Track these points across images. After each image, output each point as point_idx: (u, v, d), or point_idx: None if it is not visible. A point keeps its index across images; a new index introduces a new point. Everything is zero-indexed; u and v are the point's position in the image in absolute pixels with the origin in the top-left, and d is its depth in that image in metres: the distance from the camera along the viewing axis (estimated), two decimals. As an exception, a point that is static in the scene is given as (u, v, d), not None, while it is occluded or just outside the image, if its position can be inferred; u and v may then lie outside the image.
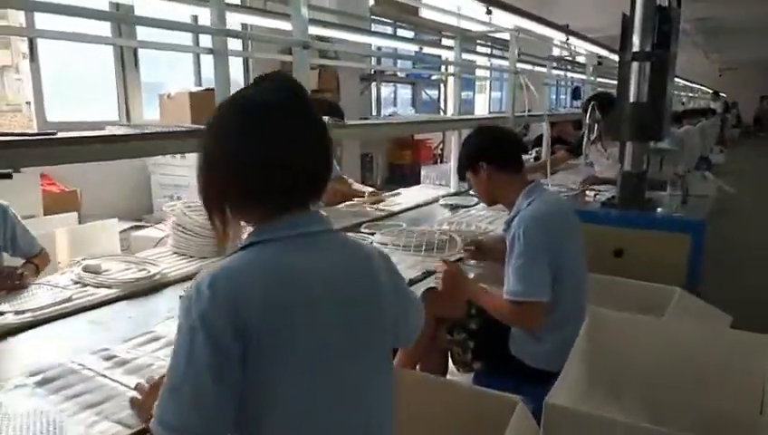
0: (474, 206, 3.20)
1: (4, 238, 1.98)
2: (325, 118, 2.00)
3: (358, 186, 3.38)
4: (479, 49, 8.62)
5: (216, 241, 1.82)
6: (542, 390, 1.37)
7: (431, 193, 3.57)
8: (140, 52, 4.70)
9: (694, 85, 14.11)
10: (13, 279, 1.79)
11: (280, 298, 0.84)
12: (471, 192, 3.51)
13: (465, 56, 6.49)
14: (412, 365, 1.98)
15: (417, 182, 4.11)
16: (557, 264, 1.67)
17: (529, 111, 3.40)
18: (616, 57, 3.01)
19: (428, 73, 8.50)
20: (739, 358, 1.63)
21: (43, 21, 3.40)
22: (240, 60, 5.76)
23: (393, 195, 3.47)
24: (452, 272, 1.85)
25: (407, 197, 3.49)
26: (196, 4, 1.88)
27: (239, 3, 2.50)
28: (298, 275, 0.87)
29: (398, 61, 6.89)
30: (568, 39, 3.14)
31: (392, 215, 2.97)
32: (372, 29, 5.87)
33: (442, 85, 9.17)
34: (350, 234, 2.44)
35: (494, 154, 1.84)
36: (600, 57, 5.40)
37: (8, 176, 3.01)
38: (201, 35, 3.12)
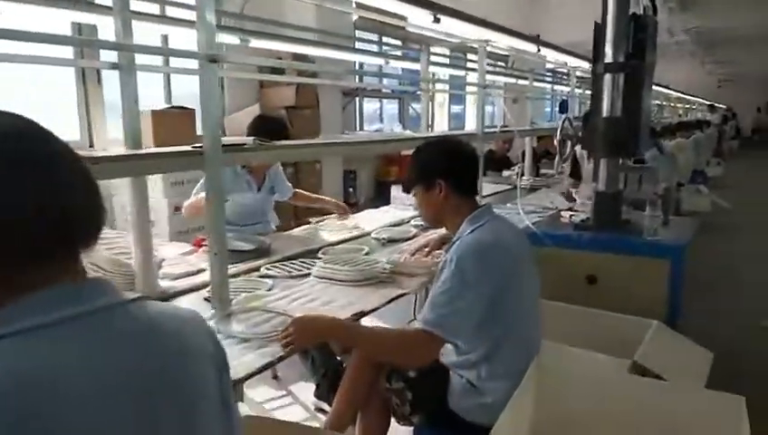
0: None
1: None
2: (248, 138, 1.80)
3: (324, 199, 3.14)
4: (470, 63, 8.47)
5: None
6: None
7: (398, 215, 3.35)
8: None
9: (690, 97, 13.94)
10: None
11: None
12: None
13: (452, 71, 6.36)
14: (352, 415, 1.76)
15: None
16: (495, 305, 1.45)
17: (505, 126, 3.20)
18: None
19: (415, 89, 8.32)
20: (709, 421, 1.40)
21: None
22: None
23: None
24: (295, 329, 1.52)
25: (368, 219, 3.27)
26: (101, 13, 1.68)
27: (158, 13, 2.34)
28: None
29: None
30: (539, 50, 2.96)
31: (344, 241, 2.71)
32: (357, 44, 5.72)
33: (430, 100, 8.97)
34: (294, 262, 2.23)
35: (453, 171, 1.63)
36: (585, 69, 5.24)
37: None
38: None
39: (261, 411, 2.64)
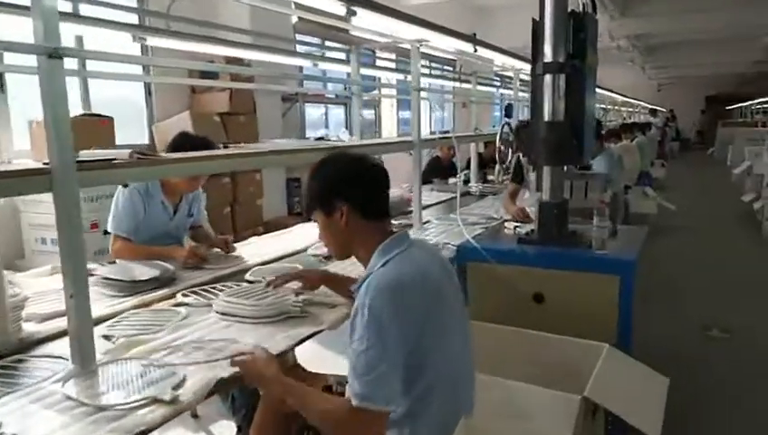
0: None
1: None
2: (120, 152, 1.49)
3: (211, 236, 2.75)
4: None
5: None
6: None
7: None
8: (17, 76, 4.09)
9: (634, 101, 14.25)
10: None
11: None
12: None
13: (394, 75, 6.14)
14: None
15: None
16: (418, 351, 1.19)
17: (445, 131, 2.97)
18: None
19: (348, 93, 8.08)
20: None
21: None
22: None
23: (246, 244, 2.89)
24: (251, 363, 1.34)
25: (303, 234, 2.97)
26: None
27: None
28: None
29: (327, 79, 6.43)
30: (476, 50, 2.76)
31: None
32: (297, 48, 5.42)
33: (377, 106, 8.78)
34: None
35: (356, 192, 1.36)
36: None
37: None
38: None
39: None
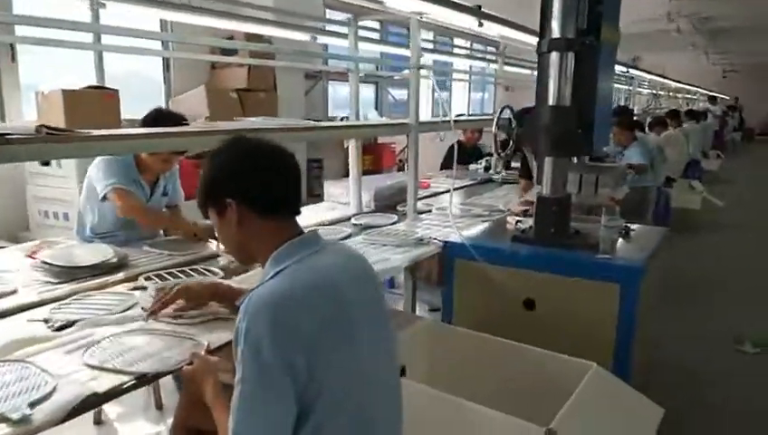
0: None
1: None
2: (24, 126, 1.33)
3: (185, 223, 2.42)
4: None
5: None
6: None
7: (328, 215, 2.87)
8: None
9: (691, 87, 13.37)
10: None
11: None
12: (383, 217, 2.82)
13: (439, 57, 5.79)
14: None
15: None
16: (312, 378, 0.98)
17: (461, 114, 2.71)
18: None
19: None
20: None
21: None
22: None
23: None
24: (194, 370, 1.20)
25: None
26: None
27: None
28: None
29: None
30: (481, 24, 2.48)
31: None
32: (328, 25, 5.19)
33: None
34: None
35: (249, 185, 1.13)
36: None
37: None
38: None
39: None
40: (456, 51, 8.13)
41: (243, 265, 1.22)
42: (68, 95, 3.61)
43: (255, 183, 1.12)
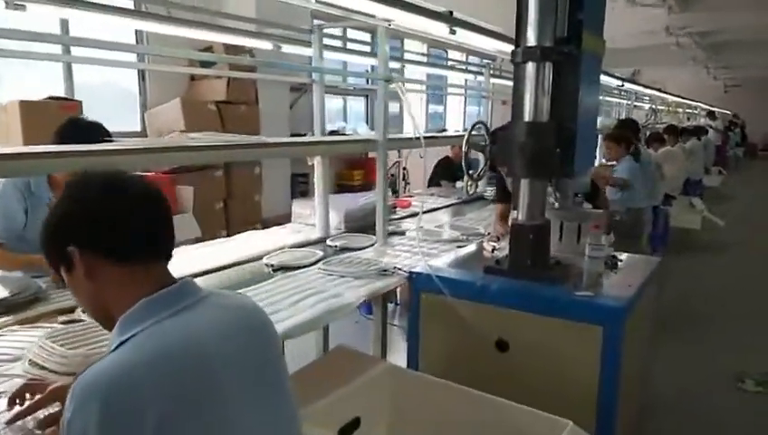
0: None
1: None
2: None
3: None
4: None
5: None
6: None
7: (298, 238, 2.63)
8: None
9: (691, 102, 13.16)
10: None
11: None
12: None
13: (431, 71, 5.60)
14: None
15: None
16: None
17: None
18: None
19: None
20: None
21: None
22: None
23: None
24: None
25: (265, 239, 2.57)
26: None
27: None
28: None
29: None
30: (453, 32, 2.26)
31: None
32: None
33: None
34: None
35: (93, 226, 0.89)
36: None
37: None
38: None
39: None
40: (450, 63, 7.95)
41: (108, 330, 0.90)
42: (25, 106, 3.42)
43: (100, 222, 0.88)
